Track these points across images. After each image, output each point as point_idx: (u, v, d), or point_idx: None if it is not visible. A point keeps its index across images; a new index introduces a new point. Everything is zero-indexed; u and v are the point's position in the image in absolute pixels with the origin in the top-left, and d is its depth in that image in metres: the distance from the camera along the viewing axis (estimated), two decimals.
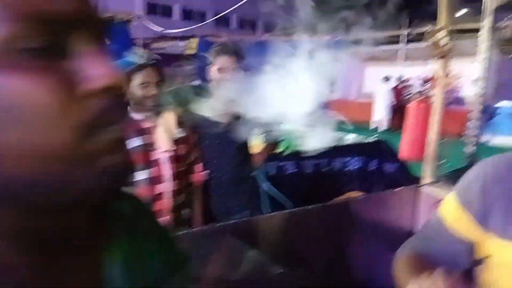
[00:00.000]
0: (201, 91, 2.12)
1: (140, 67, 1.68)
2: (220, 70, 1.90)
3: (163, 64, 1.80)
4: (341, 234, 1.97)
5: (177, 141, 1.78)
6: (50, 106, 0.28)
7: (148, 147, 1.71)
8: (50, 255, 0.35)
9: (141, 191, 1.68)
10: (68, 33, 0.30)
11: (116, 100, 0.31)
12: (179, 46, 11.83)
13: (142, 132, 1.71)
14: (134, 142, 1.69)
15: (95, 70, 0.30)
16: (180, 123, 1.82)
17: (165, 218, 1.73)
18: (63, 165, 0.30)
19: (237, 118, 1.94)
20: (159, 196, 1.71)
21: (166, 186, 1.73)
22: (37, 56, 0.28)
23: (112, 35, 9.13)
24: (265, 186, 2.59)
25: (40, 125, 0.28)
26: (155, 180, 1.70)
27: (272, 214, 1.81)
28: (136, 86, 1.68)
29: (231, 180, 1.98)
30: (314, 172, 2.95)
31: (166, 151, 1.73)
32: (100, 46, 0.31)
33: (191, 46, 11.61)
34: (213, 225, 1.70)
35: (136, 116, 1.72)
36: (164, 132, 1.74)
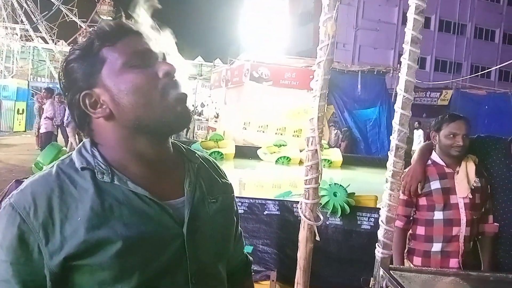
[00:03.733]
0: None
1: (452, 119, 1.88)
2: None
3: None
4: None
5: (474, 190, 1.87)
6: (150, 83, 0.70)
7: (447, 191, 1.86)
8: (151, 164, 0.74)
9: (437, 230, 1.85)
10: (152, 58, 0.72)
11: (171, 77, 0.72)
12: (430, 97, 11.63)
13: (443, 176, 1.88)
14: (435, 184, 1.88)
15: (161, 67, 0.72)
16: (478, 173, 1.90)
17: (455, 260, 1.84)
18: (159, 109, 0.70)
19: None
20: (453, 238, 1.83)
21: (460, 230, 1.83)
22: (141, 66, 0.71)
23: (369, 85, 9.78)
24: None
25: (148, 93, 0.70)
26: (451, 222, 1.84)
27: None
28: (444, 135, 1.88)
29: None
30: None
31: (463, 197, 1.85)
32: (164, 58, 0.75)
33: (444, 97, 11.26)
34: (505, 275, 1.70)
35: (439, 160, 1.92)
36: (464, 179, 1.87)
